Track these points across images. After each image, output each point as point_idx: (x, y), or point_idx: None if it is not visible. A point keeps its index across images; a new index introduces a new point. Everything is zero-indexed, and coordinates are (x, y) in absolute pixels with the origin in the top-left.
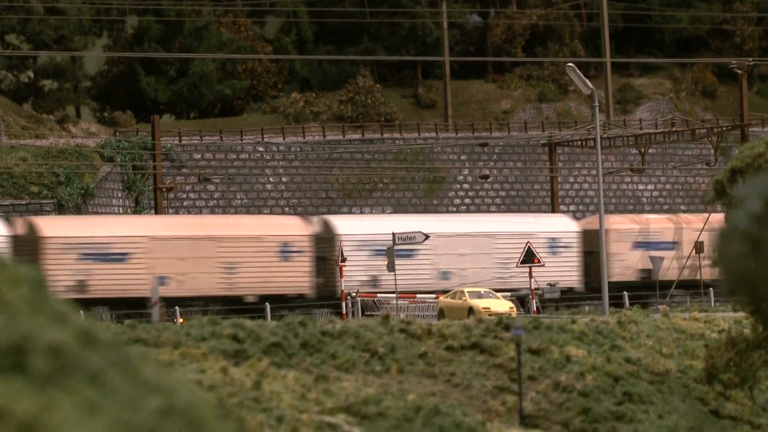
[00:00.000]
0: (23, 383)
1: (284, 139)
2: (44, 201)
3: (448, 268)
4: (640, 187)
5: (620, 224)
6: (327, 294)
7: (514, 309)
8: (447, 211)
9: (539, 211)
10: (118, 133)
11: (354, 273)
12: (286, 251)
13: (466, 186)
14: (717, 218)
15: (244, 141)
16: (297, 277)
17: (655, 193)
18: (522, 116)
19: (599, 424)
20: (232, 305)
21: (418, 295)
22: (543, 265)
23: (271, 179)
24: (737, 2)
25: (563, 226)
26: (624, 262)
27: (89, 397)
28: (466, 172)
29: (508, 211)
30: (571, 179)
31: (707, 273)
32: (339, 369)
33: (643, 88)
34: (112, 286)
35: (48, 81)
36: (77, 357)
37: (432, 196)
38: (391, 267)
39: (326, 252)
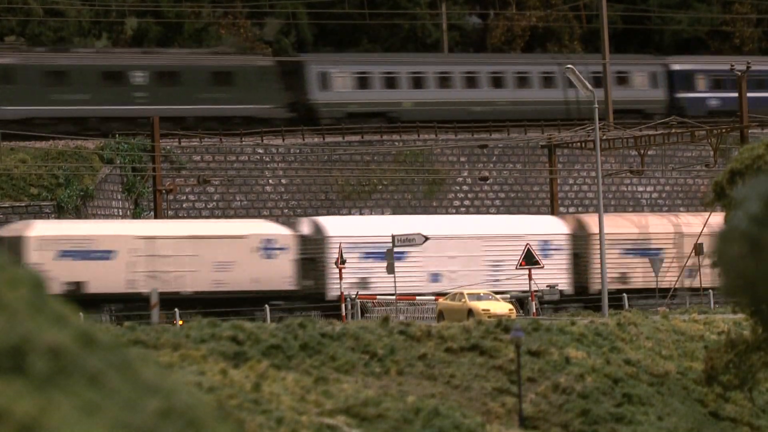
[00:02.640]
0: (23, 384)
1: (283, 140)
2: (43, 203)
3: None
4: (640, 188)
5: None
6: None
7: (514, 311)
8: (446, 213)
9: (538, 213)
10: (117, 135)
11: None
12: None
13: (465, 188)
14: None
15: (243, 143)
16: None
17: (655, 195)
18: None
19: (599, 425)
20: None
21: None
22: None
23: (270, 181)
24: (736, 4)
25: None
26: None
27: (89, 398)
28: (465, 173)
29: (508, 212)
30: (571, 181)
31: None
32: (338, 371)
33: None
34: None
35: None
36: (77, 358)
37: (431, 198)
38: (390, 269)
39: (582, 249)
